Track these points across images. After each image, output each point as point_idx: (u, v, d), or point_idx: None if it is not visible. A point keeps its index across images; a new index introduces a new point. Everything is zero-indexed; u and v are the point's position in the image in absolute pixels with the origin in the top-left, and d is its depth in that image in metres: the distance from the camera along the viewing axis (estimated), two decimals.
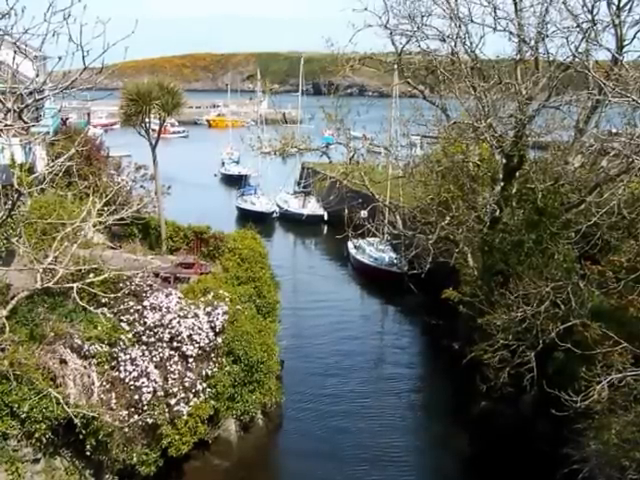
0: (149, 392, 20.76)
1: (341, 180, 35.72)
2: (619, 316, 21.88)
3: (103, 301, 20.96)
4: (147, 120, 29.41)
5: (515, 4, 28.37)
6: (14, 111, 13.33)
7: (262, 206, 64.43)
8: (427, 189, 33.79)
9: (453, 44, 29.74)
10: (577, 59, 26.21)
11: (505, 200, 28.60)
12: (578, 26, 26.24)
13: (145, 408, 20.63)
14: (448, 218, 30.39)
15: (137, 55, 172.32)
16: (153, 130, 30.50)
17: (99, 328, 20.78)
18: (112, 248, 26.88)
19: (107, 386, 20.32)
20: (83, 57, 11.80)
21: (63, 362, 19.65)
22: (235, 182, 77.03)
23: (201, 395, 21.97)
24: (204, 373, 22.33)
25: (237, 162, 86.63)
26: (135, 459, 20.46)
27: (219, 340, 22.88)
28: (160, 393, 21.05)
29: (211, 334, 22.76)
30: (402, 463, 25.73)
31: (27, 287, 19.94)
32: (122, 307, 21.78)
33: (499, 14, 28.49)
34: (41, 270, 18.88)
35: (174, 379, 21.51)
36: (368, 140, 39.69)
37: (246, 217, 56.27)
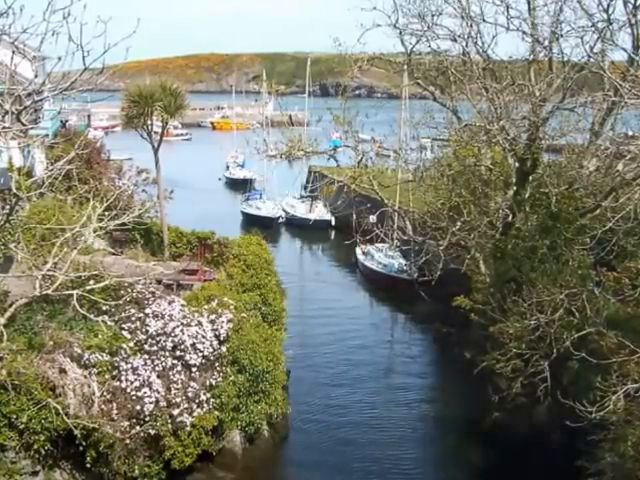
0: (151, 402, 20.51)
1: (349, 184, 35.34)
2: (635, 324, 21.49)
3: (104, 309, 20.85)
4: (149, 122, 29.31)
5: (528, 3, 28.04)
6: (12, 113, 13.32)
7: (268, 211, 64.05)
8: (438, 193, 33.33)
9: (464, 44, 29.34)
10: (592, 59, 25.95)
11: (518, 205, 28.18)
12: (593, 25, 26.04)
13: (147, 419, 20.43)
14: (459, 223, 29.91)
15: (139, 55, 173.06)
16: (155, 133, 30.52)
17: (100, 336, 20.69)
18: (113, 254, 26.77)
19: (108, 396, 20.14)
20: (83, 57, 11.69)
21: (63, 371, 19.55)
22: (240, 186, 76.76)
23: (205, 405, 21.69)
24: (208, 383, 22.09)
25: (242, 166, 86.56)
26: (137, 472, 20.17)
27: (223, 349, 22.71)
28: (163, 403, 20.78)
29: (215, 343, 22.58)
30: (412, 476, 25.31)
31: (25, 294, 19.84)
32: (123, 315, 21.62)
33: (512, 13, 28.14)
34: (40, 277, 18.82)
35: (177, 389, 21.29)
36: (377, 143, 39.30)
37: (251, 222, 56.14)
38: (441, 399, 31.71)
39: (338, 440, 27.03)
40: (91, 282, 19.66)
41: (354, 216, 46.17)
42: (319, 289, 47.54)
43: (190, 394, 21.32)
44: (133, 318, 21.79)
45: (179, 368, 21.64)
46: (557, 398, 20.67)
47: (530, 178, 28.64)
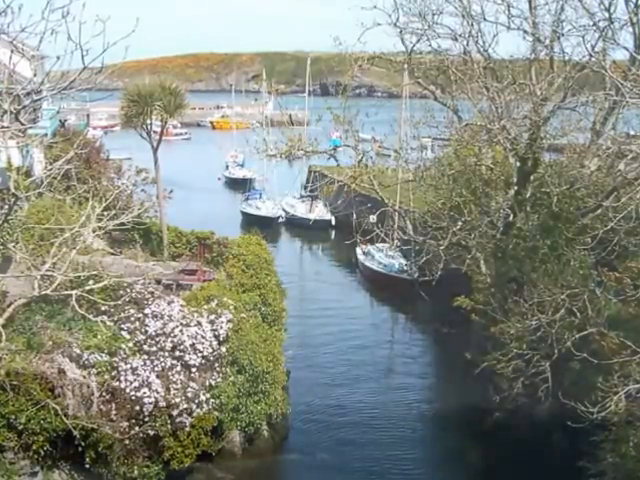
0: (150, 403, 20.43)
1: (349, 184, 35.23)
2: (637, 325, 21.47)
3: (103, 309, 20.80)
4: (148, 122, 29.21)
5: (529, 2, 27.81)
6: (11, 112, 13.14)
7: (267, 211, 63.89)
8: (438, 193, 33.16)
9: (465, 43, 29.19)
10: (594, 58, 25.77)
11: (519, 205, 28.03)
12: (595, 24, 25.95)
13: (146, 419, 20.37)
14: (460, 223, 29.72)
15: (138, 55, 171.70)
16: (155, 132, 30.40)
17: (99, 337, 20.64)
18: (112, 254, 26.56)
19: (107, 397, 20.11)
20: (82, 56, 11.62)
21: (62, 372, 19.53)
22: (240, 186, 76.53)
23: (204, 406, 21.55)
24: (207, 383, 21.96)
25: (242, 165, 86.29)
26: (136, 472, 20.10)
27: (223, 349, 22.54)
28: (162, 404, 20.67)
29: (215, 343, 22.43)
30: (413, 476, 25.25)
31: (24, 294, 19.87)
32: (122, 315, 21.57)
33: (513, 12, 27.98)
34: (39, 277, 18.76)
35: (176, 389, 21.16)
36: (377, 142, 39.14)
37: (251, 222, 55.85)
38: (441, 399, 31.57)
39: (338, 440, 26.92)
40: (90, 282, 19.58)
41: (354, 216, 46.07)
42: (319, 289, 47.35)
43: (189, 394, 21.17)
44: (132, 318, 21.69)
45: (178, 368, 21.50)
46: (558, 398, 20.59)
47: (531, 178, 28.47)
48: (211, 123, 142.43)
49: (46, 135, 34.77)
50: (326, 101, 36.89)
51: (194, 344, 21.93)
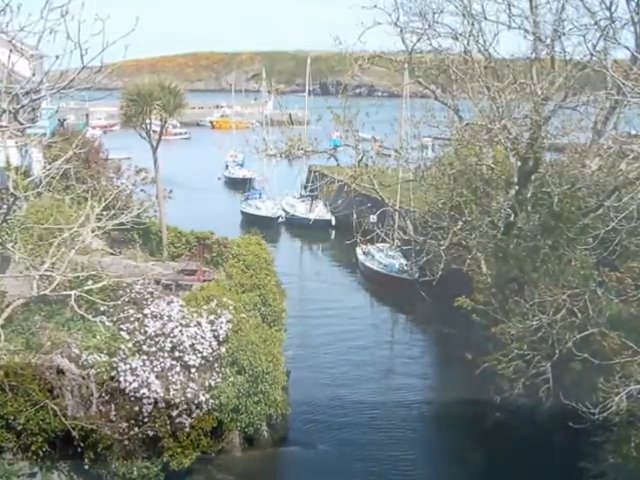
0: (150, 403, 20.37)
1: (349, 184, 35.26)
2: (638, 325, 21.37)
3: (102, 309, 20.75)
4: (148, 121, 29.15)
5: (530, 1, 27.91)
6: (9, 112, 13.09)
7: (267, 210, 63.73)
8: (439, 193, 33.15)
9: (466, 42, 29.25)
10: (595, 58, 25.86)
11: (520, 204, 28.01)
12: (596, 23, 25.99)
13: (146, 420, 20.30)
14: (461, 223, 29.78)
15: (137, 54, 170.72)
16: (154, 132, 30.33)
17: (98, 337, 20.58)
18: (111, 254, 26.50)
19: (106, 397, 20.07)
20: (81, 56, 11.57)
21: (60, 372, 19.52)
22: (239, 186, 76.37)
23: (204, 406, 21.47)
24: (207, 384, 21.83)
25: (241, 165, 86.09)
26: (135, 473, 20.02)
27: (223, 350, 22.42)
28: (161, 404, 20.62)
29: (214, 343, 22.31)
30: (413, 476, 25.07)
31: (23, 295, 19.91)
32: (122, 315, 21.49)
33: (514, 11, 28.11)
34: (37, 277, 18.87)
35: (176, 390, 21.06)
36: (377, 142, 39.12)
37: (251, 222, 55.83)
38: (442, 400, 31.34)
39: (338, 440, 26.79)
40: (89, 282, 19.64)
41: (354, 216, 45.92)
42: (319, 289, 47.15)
43: (189, 395, 21.09)
44: (132, 319, 21.58)
45: (178, 369, 21.41)
46: (559, 399, 20.58)
47: (532, 177, 28.48)
48: (211, 123, 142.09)
49: (45, 134, 34.68)
50: (326, 101, 36.70)
51: (194, 344, 21.83)
